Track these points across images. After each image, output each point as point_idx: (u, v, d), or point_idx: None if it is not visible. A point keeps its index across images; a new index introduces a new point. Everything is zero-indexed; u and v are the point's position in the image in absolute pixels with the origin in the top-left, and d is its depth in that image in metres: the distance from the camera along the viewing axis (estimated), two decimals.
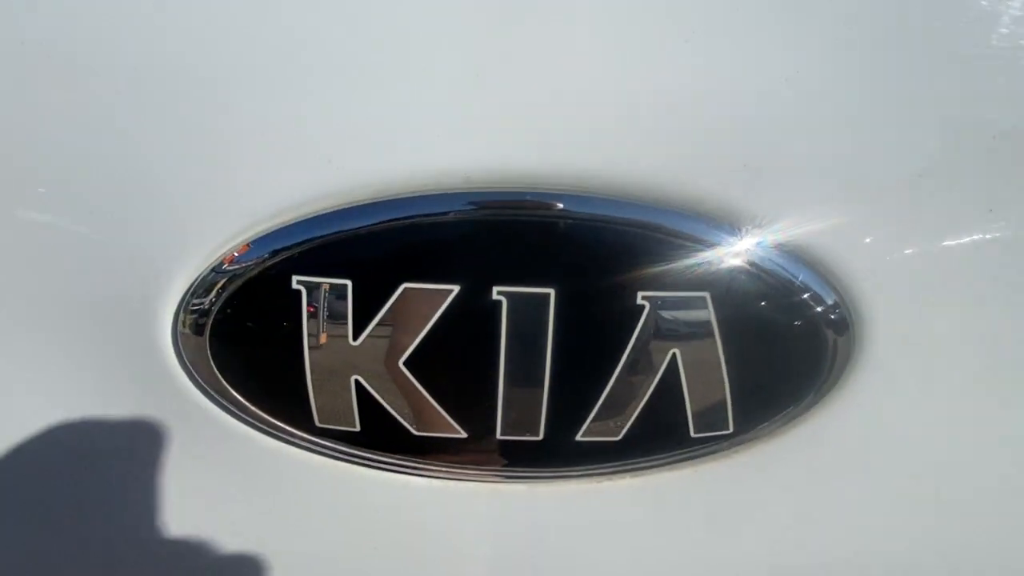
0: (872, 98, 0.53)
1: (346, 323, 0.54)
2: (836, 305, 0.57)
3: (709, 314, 0.55)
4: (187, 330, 0.57)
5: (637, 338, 0.55)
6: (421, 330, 0.54)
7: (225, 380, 0.58)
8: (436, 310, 0.54)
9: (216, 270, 0.55)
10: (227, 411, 0.59)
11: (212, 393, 0.58)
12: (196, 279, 0.55)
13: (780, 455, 0.62)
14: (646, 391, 0.57)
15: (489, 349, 0.55)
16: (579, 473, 0.63)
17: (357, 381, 0.56)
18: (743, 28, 0.52)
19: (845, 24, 0.53)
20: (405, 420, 0.58)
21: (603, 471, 0.62)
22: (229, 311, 0.56)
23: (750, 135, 0.54)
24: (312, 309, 0.54)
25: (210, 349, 0.57)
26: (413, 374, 0.56)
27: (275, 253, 0.54)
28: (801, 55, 0.53)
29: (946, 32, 0.53)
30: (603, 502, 0.64)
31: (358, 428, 0.58)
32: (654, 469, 0.63)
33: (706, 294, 0.55)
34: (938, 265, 0.57)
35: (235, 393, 0.58)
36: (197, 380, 0.58)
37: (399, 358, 0.55)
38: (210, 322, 0.56)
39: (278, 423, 0.59)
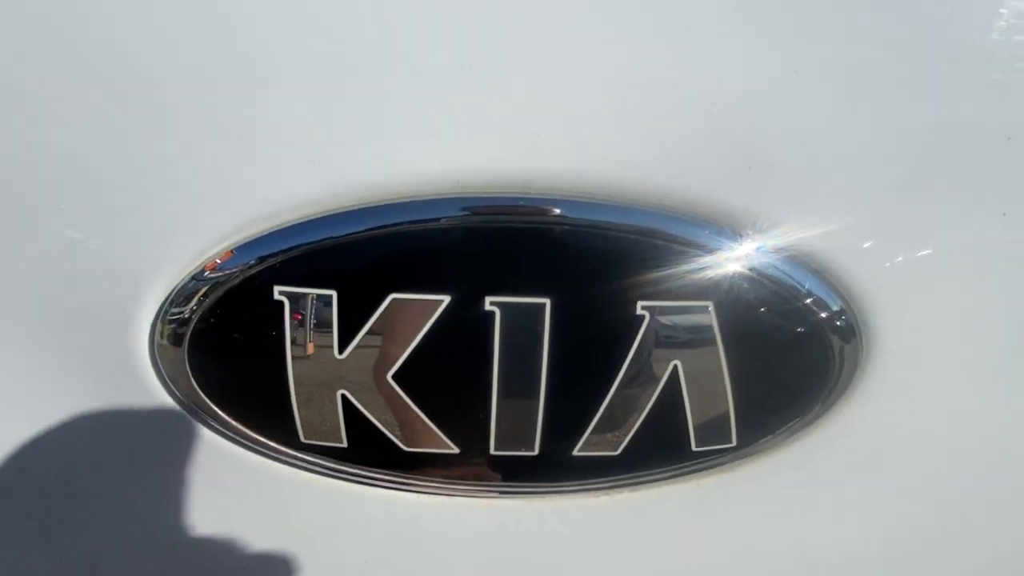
0: (882, 98, 0.51)
1: (331, 335, 0.51)
2: (842, 311, 0.54)
3: (712, 323, 0.53)
4: (165, 341, 0.54)
5: (637, 349, 0.52)
6: (410, 342, 0.52)
7: (205, 394, 0.55)
8: (426, 321, 0.51)
9: (197, 278, 0.52)
10: (208, 426, 0.57)
11: (192, 407, 0.56)
12: (175, 287, 0.53)
13: (785, 469, 0.60)
14: (646, 404, 0.54)
15: (482, 362, 0.52)
16: (576, 488, 0.60)
17: (344, 396, 0.54)
18: (745, 24, 0.50)
19: (853, 20, 0.50)
20: (394, 436, 0.55)
21: (601, 486, 0.60)
22: (210, 321, 0.53)
23: (754, 136, 0.51)
24: (297, 320, 0.52)
25: (189, 361, 0.54)
26: (402, 388, 0.53)
27: (260, 260, 0.51)
28: (807, 52, 0.50)
29: (958, 28, 0.51)
30: (601, 518, 0.62)
31: (345, 444, 0.56)
32: (654, 483, 0.60)
33: (709, 303, 0.52)
34: (949, 269, 0.55)
35: (216, 408, 0.56)
36: (176, 394, 0.55)
37: (387, 371, 0.52)
38: (189, 333, 0.53)
39: (261, 439, 0.57)
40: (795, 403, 0.57)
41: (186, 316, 0.53)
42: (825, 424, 0.58)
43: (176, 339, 0.54)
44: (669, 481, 0.60)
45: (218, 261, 0.52)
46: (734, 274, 0.52)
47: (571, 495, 0.61)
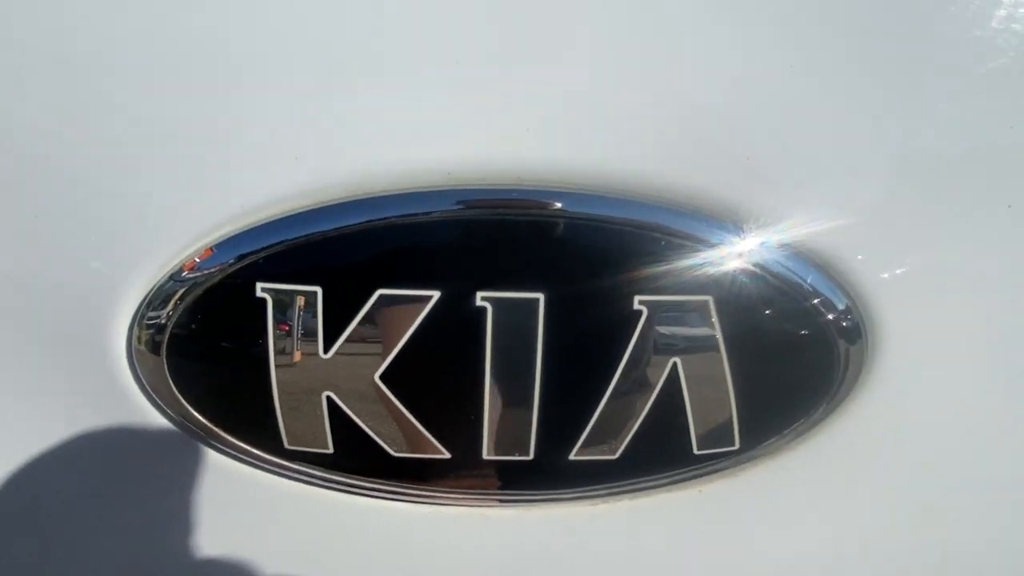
0: (887, 89, 0.49)
1: (316, 334, 0.49)
2: (848, 310, 0.52)
3: (712, 320, 0.51)
4: (143, 345, 0.52)
5: (635, 347, 0.50)
6: (398, 341, 0.49)
7: (184, 398, 0.53)
8: (414, 319, 0.49)
9: (175, 278, 0.50)
10: (188, 432, 0.54)
11: (171, 412, 0.54)
12: (152, 288, 0.51)
13: (790, 473, 0.58)
14: (645, 405, 0.52)
15: (473, 361, 0.50)
16: (573, 495, 0.58)
17: (329, 398, 0.51)
18: (744, 17, 0.49)
19: (854, 14, 0.49)
20: (383, 440, 0.53)
21: (599, 493, 0.58)
22: (190, 323, 0.51)
23: (754, 127, 0.49)
24: (279, 320, 0.49)
25: (168, 366, 0.52)
26: (390, 389, 0.51)
27: (240, 258, 0.49)
28: (809, 42, 0.49)
29: (962, 23, 0.49)
30: (600, 527, 0.59)
31: (331, 450, 0.53)
32: (655, 490, 0.58)
33: (708, 298, 0.50)
34: (954, 268, 0.53)
35: (195, 412, 0.53)
36: (154, 398, 0.53)
37: (375, 372, 0.50)
38: (168, 335, 0.51)
39: (243, 444, 0.54)
40: (799, 405, 0.55)
41: (163, 320, 0.51)
42: (831, 426, 0.56)
43: (154, 342, 0.52)
44: (670, 487, 0.58)
45: (197, 260, 0.50)
46: (735, 269, 0.50)
47: (568, 503, 0.58)
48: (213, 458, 0.56)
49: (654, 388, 0.51)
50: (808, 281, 0.51)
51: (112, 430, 0.55)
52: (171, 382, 0.53)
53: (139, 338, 0.52)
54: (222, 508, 0.58)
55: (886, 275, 0.52)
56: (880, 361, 0.54)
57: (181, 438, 0.55)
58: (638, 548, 0.60)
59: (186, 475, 0.57)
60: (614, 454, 0.54)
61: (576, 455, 0.54)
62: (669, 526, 0.60)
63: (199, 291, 0.50)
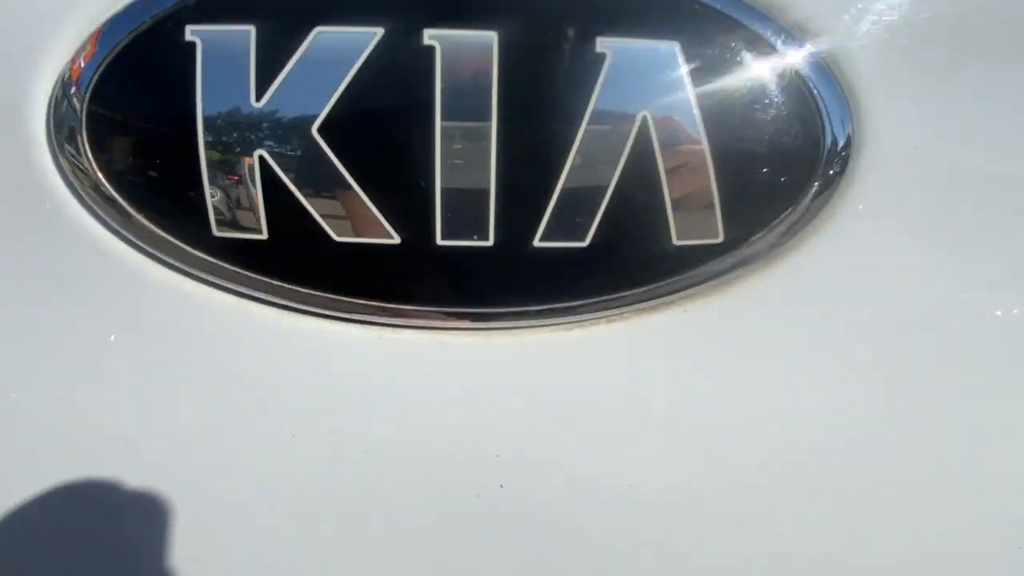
0: None
1: (247, 80, 0.45)
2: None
3: (684, 70, 0.46)
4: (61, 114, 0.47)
5: (599, 95, 0.46)
6: (337, 86, 0.45)
7: (104, 174, 0.47)
8: (355, 60, 0.44)
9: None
10: (100, 221, 0.49)
11: (85, 190, 0.48)
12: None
13: (780, 288, 0.52)
14: (614, 170, 0.47)
15: (421, 110, 0.45)
16: (542, 314, 0.51)
17: (262, 159, 0.46)
18: None
19: None
20: (323, 219, 0.47)
21: (571, 309, 0.51)
22: (107, 86, 0.46)
23: None
24: (208, 66, 0.45)
25: (87, 130, 0.47)
26: (330, 145, 0.45)
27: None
28: None
29: None
30: (574, 357, 0.53)
31: (265, 235, 0.48)
32: (634, 308, 0.52)
33: (676, 44, 0.46)
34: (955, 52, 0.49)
35: (116, 195, 0.48)
36: (66, 174, 0.48)
37: (312, 124, 0.45)
38: (88, 95, 0.46)
39: (171, 239, 0.48)
40: (786, 188, 0.50)
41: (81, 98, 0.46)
42: (825, 224, 0.51)
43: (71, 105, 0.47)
44: (650, 304, 0.52)
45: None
46: (710, 10, 0.46)
47: (537, 329, 0.52)
48: (141, 266, 0.50)
49: (622, 148, 0.46)
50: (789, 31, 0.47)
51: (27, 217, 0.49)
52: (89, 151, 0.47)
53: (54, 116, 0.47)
54: (154, 330, 0.52)
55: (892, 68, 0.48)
56: (870, 137, 0.49)
57: (92, 227, 0.49)
58: (615, 382, 0.53)
59: (118, 294, 0.51)
60: (584, 240, 0.48)
61: (541, 240, 0.48)
62: (651, 354, 0.53)
63: (127, 40, 0.46)
